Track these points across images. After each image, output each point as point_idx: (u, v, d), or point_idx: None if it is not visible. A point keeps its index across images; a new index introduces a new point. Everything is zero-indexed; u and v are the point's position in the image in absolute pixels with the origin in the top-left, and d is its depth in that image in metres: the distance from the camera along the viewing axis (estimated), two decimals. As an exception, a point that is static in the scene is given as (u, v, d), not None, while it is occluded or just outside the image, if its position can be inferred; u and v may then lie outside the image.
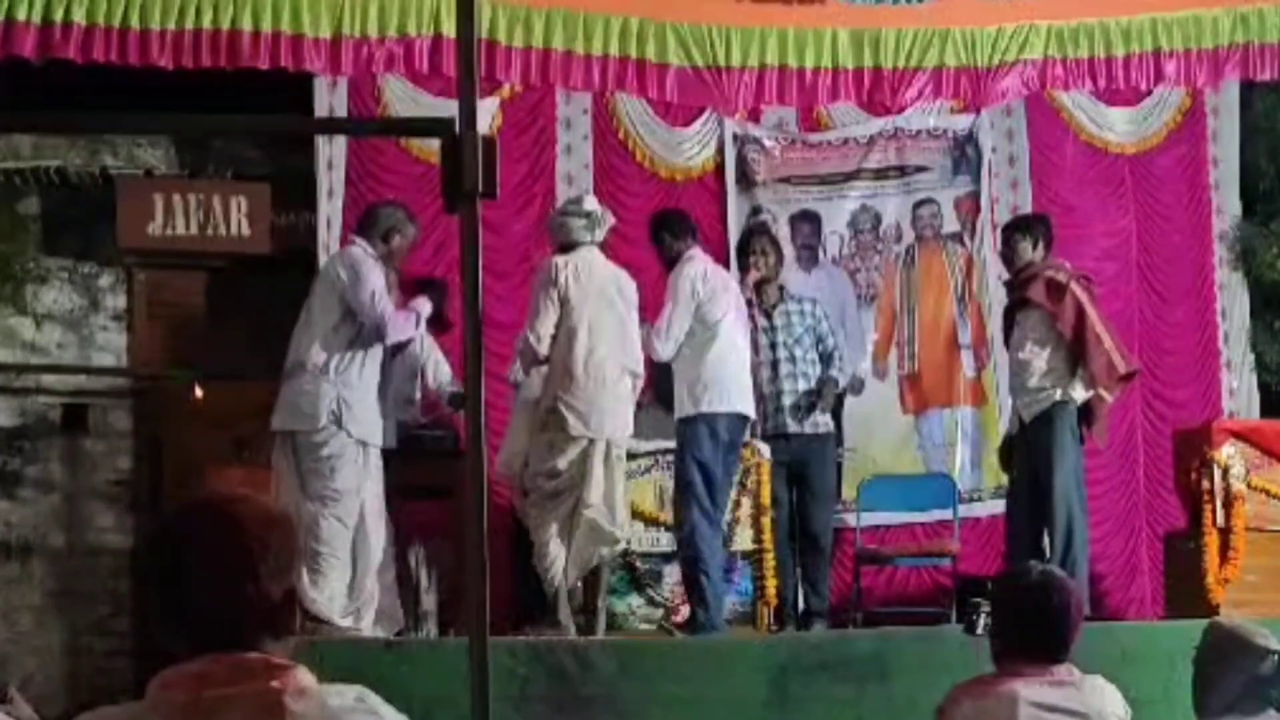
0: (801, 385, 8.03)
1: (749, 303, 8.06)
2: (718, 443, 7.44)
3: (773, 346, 8.07)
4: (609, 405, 7.19)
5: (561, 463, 7.17)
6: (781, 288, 8.33)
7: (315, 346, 6.99)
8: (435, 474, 7.53)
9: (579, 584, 7.69)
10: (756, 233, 8.59)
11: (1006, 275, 8.29)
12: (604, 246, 7.42)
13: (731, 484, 7.72)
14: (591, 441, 7.16)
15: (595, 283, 7.22)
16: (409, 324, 7.21)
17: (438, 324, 7.69)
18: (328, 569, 6.90)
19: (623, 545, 7.48)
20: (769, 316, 8.14)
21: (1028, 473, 7.98)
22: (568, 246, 7.29)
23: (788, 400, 8.03)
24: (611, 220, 7.45)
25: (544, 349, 7.13)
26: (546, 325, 7.11)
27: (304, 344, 7.03)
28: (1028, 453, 7.98)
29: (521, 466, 7.30)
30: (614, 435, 7.24)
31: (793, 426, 8.06)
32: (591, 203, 7.49)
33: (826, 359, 8.23)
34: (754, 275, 8.20)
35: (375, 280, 7.03)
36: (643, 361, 7.44)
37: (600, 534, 7.27)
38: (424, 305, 7.34)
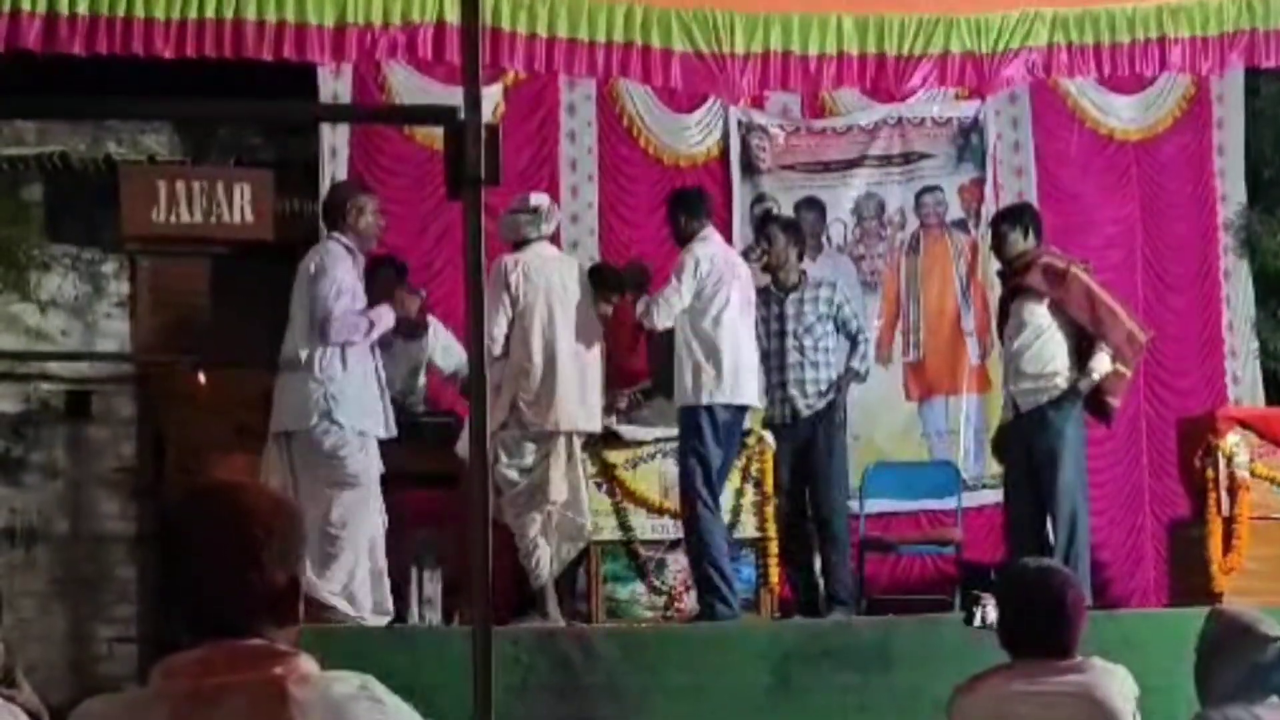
0: (809, 374, 7.96)
1: (766, 290, 8.06)
2: (717, 432, 7.45)
3: (781, 335, 8.01)
4: (567, 398, 7.38)
5: (528, 459, 7.38)
6: (803, 273, 8.22)
7: (299, 343, 6.99)
8: (437, 461, 7.54)
9: (581, 572, 7.77)
10: (765, 220, 8.53)
11: (1002, 265, 8.30)
12: (556, 239, 7.71)
13: (727, 473, 7.70)
14: (552, 435, 7.36)
15: (547, 277, 7.41)
16: (357, 329, 7.00)
17: (405, 330, 7.81)
18: (340, 555, 6.93)
19: (589, 535, 7.64)
20: (781, 304, 8.08)
21: (1026, 463, 7.96)
22: (519, 244, 7.45)
23: (794, 390, 7.99)
24: (559, 215, 7.72)
25: (497, 348, 7.29)
26: (499, 325, 7.29)
27: (291, 342, 7.05)
28: (1027, 442, 7.96)
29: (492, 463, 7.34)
30: (574, 427, 7.43)
31: (800, 413, 8.01)
32: (538, 198, 7.65)
33: (853, 341, 8.12)
34: (761, 263, 8.19)
35: (339, 274, 6.97)
36: (602, 341, 7.68)
37: (569, 527, 7.49)
38: (385, 317, 7.22)
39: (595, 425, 7.58)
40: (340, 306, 6.92)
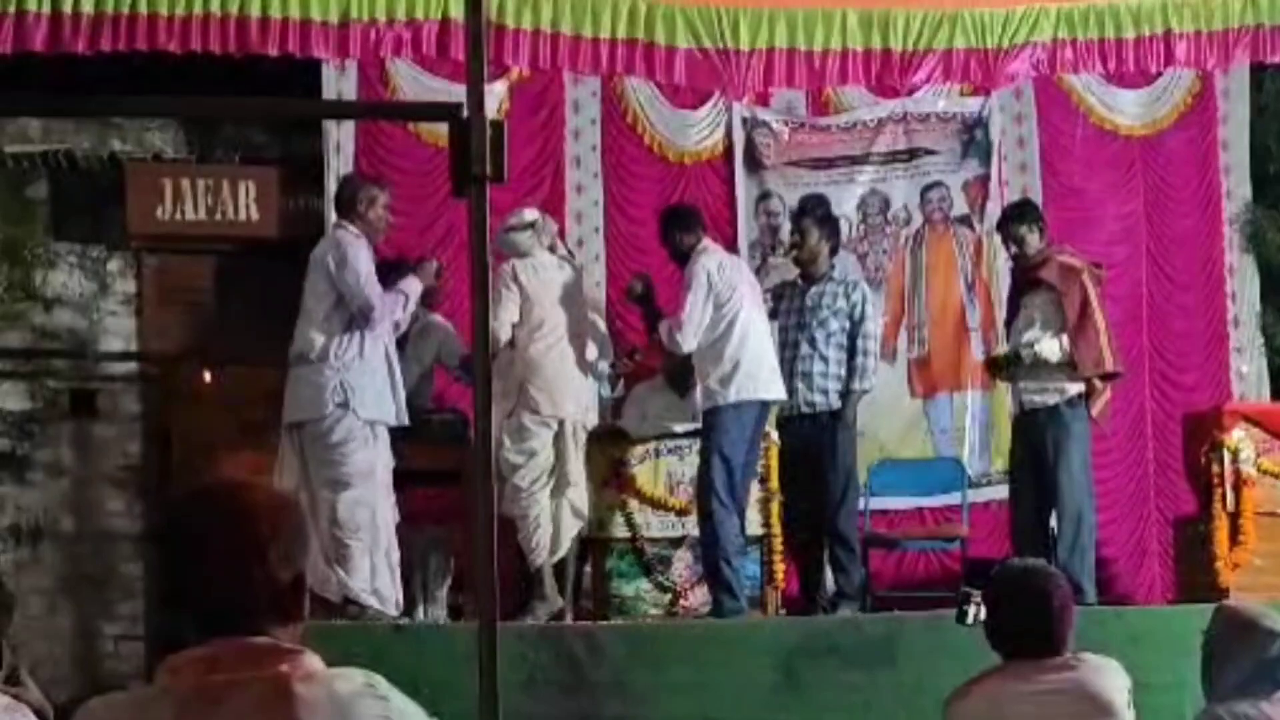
0: (816, 367, 7.93)
1: (793, 283, 8.08)
2: (743, 432, 7.47)
3: (799, 327, 7.98)
4: (572, 390, 7.52)
5: (536, 444, 7.45)
6: (833, 267, 8.17)
7: (314, 334, 7.04)
8: (443, 458, 7.55)
9: (587, 568, 7.79)
10: (799, 213, 8.44)
11: (1012, 263, 8.29)
12: (554, 249, 7.74)
13: (754, 472, 7.69)
14: (561, 423, 7.47)
15: (547, 281, 7.54)
16: (396, 305, 7.21)
17: (427, 300, 7.85)
18: (356, 553, 6.97)
19: (586, 515, 7.69)
20: (802, 296, 8.06)
21: (1032, 459, 7.95)
22: (518, 257, 7.56)
23: (800, 383, 7.96)
24: (554, 227, 7.80)
25: (504, 335, 7.41)
26: (508, 313, 7.41)
27: (303, 333, 7.09)
28: (1033, 438, 7.94)
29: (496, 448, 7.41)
30: (577, 418, 7.55)
31: (804, 408, 8.00)
32: (532, 214, 7.70)
33: (859, 339, 7.97)
34: (791, 256, 8.21)
35: (362, 262, 7.06)
36: (609, 342, 7.92)
37: (578, 512, 7.57)
38: (413, 286, 7.37)
39: (593, 419, 7.72)
40: (375, 289, 7.03)
